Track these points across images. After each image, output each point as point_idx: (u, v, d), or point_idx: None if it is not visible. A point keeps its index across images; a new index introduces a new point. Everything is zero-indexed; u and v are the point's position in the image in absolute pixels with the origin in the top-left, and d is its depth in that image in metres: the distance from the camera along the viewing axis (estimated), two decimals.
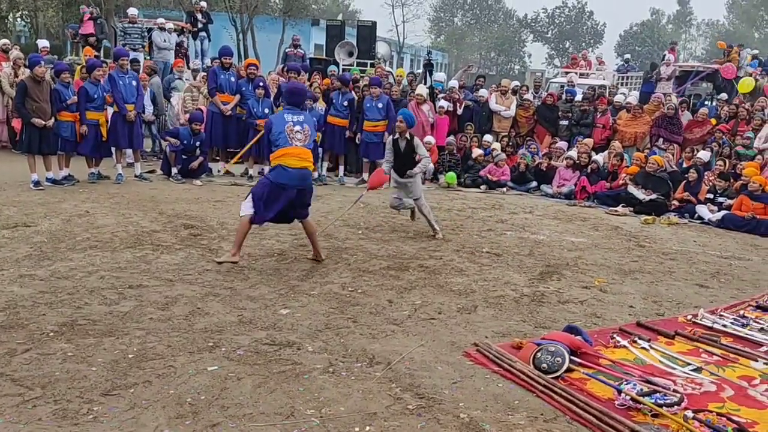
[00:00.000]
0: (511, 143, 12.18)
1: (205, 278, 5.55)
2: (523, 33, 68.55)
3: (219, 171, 10.86)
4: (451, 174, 11.23)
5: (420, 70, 18.48)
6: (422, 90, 11.82)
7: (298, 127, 5.83)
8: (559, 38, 66.81)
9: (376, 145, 10.62)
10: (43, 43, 12.71)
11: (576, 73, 16.85)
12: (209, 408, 3.41)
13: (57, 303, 4.72)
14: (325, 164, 11.08)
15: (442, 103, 11.96)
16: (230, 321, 4.63)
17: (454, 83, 12.91)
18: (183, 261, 5.98)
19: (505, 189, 11.14)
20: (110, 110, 9.51)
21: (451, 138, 11.87)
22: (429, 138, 11.39)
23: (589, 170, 10.82)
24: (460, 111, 12.26)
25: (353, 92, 11.05)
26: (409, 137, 7.32)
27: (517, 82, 13.98)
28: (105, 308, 4.70)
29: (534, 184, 11.34)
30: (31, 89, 8.47)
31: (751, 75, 14.69)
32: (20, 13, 26.70)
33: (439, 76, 13.87)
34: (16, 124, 10.53)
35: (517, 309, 5.26)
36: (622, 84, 17.38)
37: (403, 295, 5.44)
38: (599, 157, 11.02)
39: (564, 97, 12.87)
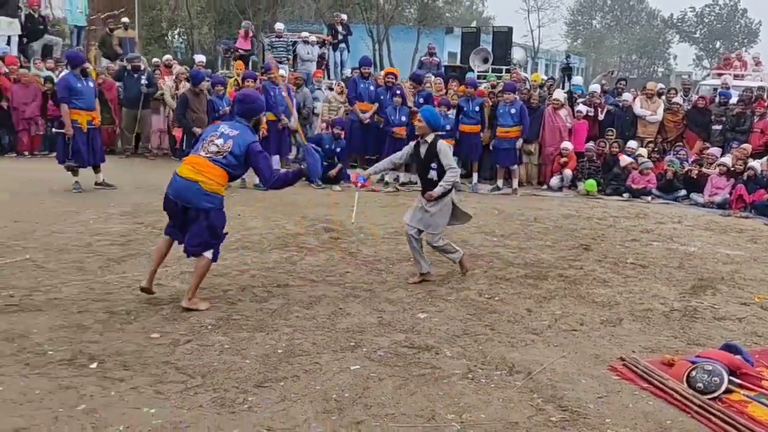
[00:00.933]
0: (657, 149, 11.53)
1: (346, 280, 5.73)
2: (668, 33, 64.77)
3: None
4: (591, 181, 10.82)
5: (557, 75, 17.99)
6: (559, 95, 11.50)
7: (220, 140, 4.74)
8: (709, 38, 62.44)
9: (507, 151, 10.49)
10: (199, 57, 13.75)
11: (730, 75, 15.66)
12: (353, 405, 3.52)
13: (214, 298, 5.07)
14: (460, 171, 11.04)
15: (581, 107, 11.57)
16: (370, 322, 4.75)
17: (595, 87, 12.45)
18: (325, 263, 6.22)
19: (650, 198, 10.56)
20: (263, 119, 10.10)
21: (591, 144, 11.44)
22: (566, 144, 11.08)
23: (745, 178, 10.00)
24: (601, 116, 11.80)
25: (483, 97, 10.97)
26: (430, 141, 5.69)
27: (662, 85, 13.23)
28: (256, 305, 4.99)
29: (683, 192, 10.65)
30: (191, 101, 9.20)
31: None
32: (178, 30, 29.07)
33: (577, 80, 13.43)
34: (177, 133, 11.45)
35: (667, 324, 4.97)
36: None
37: (542, 304, 5.32)
38: (757, 164, 10.15)
39: (717, 100, 11.99)
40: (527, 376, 3.97)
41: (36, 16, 14.38)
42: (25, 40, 14.24)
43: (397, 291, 5.50)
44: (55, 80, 11.91)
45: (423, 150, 5.73)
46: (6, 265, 5.64)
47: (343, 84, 12.40)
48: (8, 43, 13.79)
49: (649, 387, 3.87)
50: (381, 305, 5.12)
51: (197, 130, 9.17)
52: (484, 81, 13.40)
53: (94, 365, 3.86)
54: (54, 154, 11.38)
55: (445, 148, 5.69)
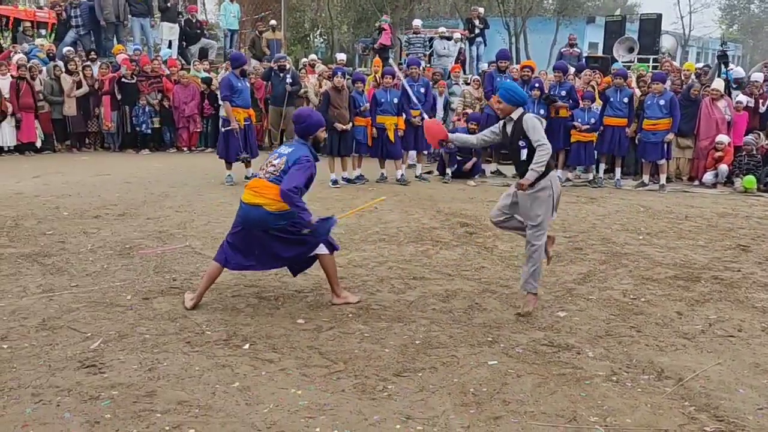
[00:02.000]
0: None
1: (482, 275, 5.70)
2: None
3: (491, 172, 11.07)
4: (750, 178, 9.97)
5: (712, 63, 16.73)
6: (719, 84, 10.68)
7: (277, 160, 4.73)
8: None
9: (654, 145, 9.90)
10: (340, 56, 14.22)
11: None
12: (491, 400, 3.50)
13: (354, 288, 5.24)
14: (602, 166, 10.60)
15: (741, 98, 10.68)
16: (507, 318, 4.70)
17: (758, 77, 11.44)
18: (460, 257, 6.23)
19: None
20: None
21: (750, 137, 10.54)
22: (722, 137, 10.29)
23: None
24: (762, 108, 10.83)
25: (633, 88, 10.43)
26: (515, 117, 4.81)
27: None
28: (393, 296, 5.10)
29: None
30: (333, 98, 9.53)
31: None
32: (319, 30, 30.22)
33: (738, 71, 12.40)
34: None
35: None
36: None
37: (694, 307, 4.99)
38: None
39: None
40: (678, 382, 3.75)
41: (194, 21, 15.55)
42: (184, 44, 15.45)
43: None
44: (215, 81, 12.84)
45: (509, 128, 4.87)
46: (169, 252, 6.16)
47: (479, 79, 12.30)
48: (169, 47, 15.03)
49: None
50: (519, 302, 5.02)
51: (339, 126, 9.50)
52: (630, 72, 12.74)
53: (246, 346, 4.13)
54: (210, 150, 12.29)
55: (534, 122, 4.71)
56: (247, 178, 9.66)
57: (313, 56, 15.22)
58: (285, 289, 5.19)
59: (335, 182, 9.60)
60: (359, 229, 7.12)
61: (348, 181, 9.85)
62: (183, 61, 14.64)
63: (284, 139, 13.44)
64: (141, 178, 9.86)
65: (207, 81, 13.24)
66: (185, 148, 13.19)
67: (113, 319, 4.54)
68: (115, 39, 14.73)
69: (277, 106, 12.78)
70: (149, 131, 13.04)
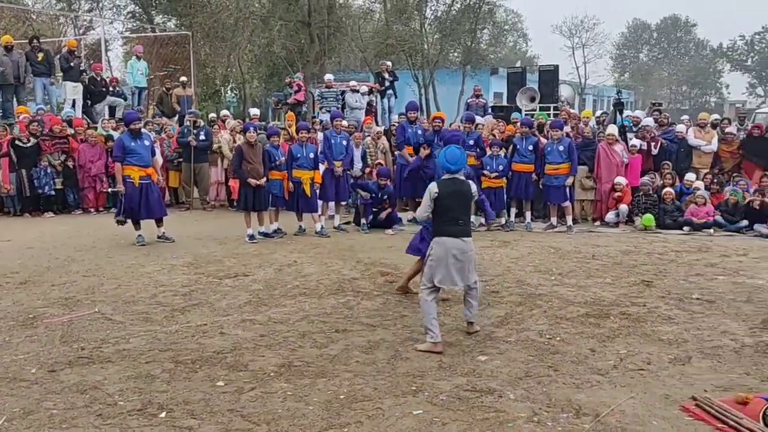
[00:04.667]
0: (716, 180, 11.25)
1: (404, 323, 5.74)
2: (719, 63, 63.64)
3: (408, 220, 11.24)
4: (648, 216, 10.59)
5: (607, 110, 17.86)
6: (613, 129, 11.40)
7: None
8: (762, 65, 61.01)
9: (557, 188, 10.40)
10: (254, 111, 14.23)
11: None
12: None
13: (275, 345, 5.15)
14: (513, 210, 11.00)
15: (635, 141, 11.43)
16: (430, 366, 4.73)
17: (648, 121, 12.30)
18: (382, 306, 6.25)
19: (711, 230, 10.25)
20: (322, 168, 10.36)
21: (646, 178, 11.25)
22: (620, 179, 10.93)
23: None
24: (655, 151, 11.62)
25: (537, 136, 10.97)
26: None
27: (717, 116, 12.99)
28: (316, 351, 5.04)
29: (745, 223, 10.31)
30: (246, 152, 9.49)
31: None
32: (230, 85, 30.15)
33: (638, 113, 13.30)
34: (234, 184, 11.80)
35: (739, 360, 4.79)
36: None
37: (605, 343, 5.20)
38: None
39: None
40: (595, 418, 3.88)
41: (98, 79, 15.19)
42: (89, 102, 15.03)
43: (456, 334, 5.47)
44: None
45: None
46: (76, 319, 5.86)
47: (379, 130, 12.60)
48: (73, 106, 14.58)
49: (723, 427, 3.73)
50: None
51: (253, 182, 9.44)
52: (533, 119, 13.40)
53: (162, 415, 3.95)
54: None
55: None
56: (159, 238, 9.39)
57: (225, 111, 15.13)
58: (203, 351, 5.03)
59: (252, 237, 9.47)
60: (278, 284, 7.02)
61: (265, 235, 9.75)
62: (88, 120, 14.22)
63: (196, 195, 13.24)
64: (45, 243, 9.38)
65: (112, 138, 12.88)
66: (92, 209, 12.68)
67: (17, 395, 4.25)
68: (14, 100, 14.15)
69: (189, 163, 12.59)
70: (52, 192, 12.47)
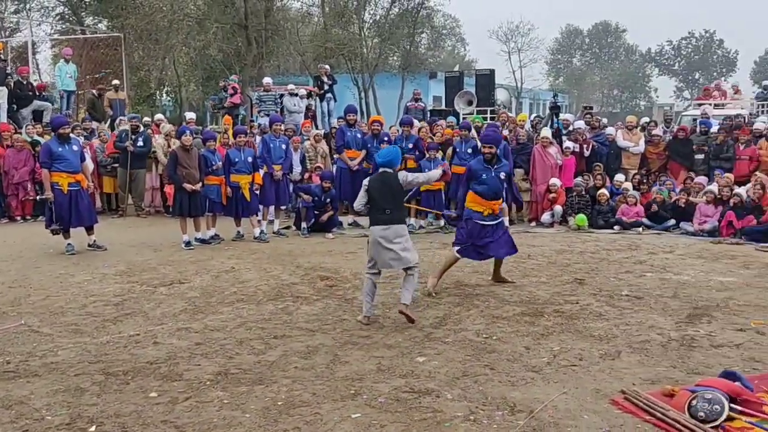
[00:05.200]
0: (644, 180, 11.69)
1: (343, 327, 5.73)
2: (648, 67, 66.22)
3: (348, 224, 11.26)
4: (581, 216, 10.91)
5: (542, 113, 18.32)
6: (547, 132, 11.70)
7: None
8: (688, 70, 63.86)
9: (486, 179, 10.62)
10: (189, 115, 13.93)
11: (710, 104, 15.99)
12: None
13: (211, 353, 5.06)
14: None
15: (568, 144, 11.76)
16: (369, 369, 4.74)
17: (579, 124, 12.67)
18: (321, 311, 6.22)
19: (640, 229, 10.64)
20: (261, 172, 10.24)
21: (579, 179, 11.59)
22: (554, 180, 11.22)
23: (731, 204, 10.12)
24: (587, 153, 11.98)
25: (476, 139, 11.14)
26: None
27: (646, 118, 13.52)
28: (254, 358, 4.98)
29: (672, 222, 10.75)
30: (181, 157, 9.29)
31: None
32: (166, 89, 29.48)
33: (567, 116, 13.70)
34: (169, 190, 11.53)
35: (665, 354, 4.98)
36: (762, 112, 16.25)
37: (540, 341, 5.32)
38: (742, 191, 10.30)
39: (698, 129, 12.24)
40: (529, 414, 3.96)
41: (25, 82, 14.60)
42: (15, 107, 14.42)
43: (395, 335, 5.49)
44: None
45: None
46: (1, 332, 5.61)
47: (319, 134, 12.59)
48: None
49: (651, 419, 3.87)
50: (379, 351, 5.11)
51: (188, 187, 9.26)
52: (469, 122, 13.61)
53: (92, 429, 3.83)
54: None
55: None
56: (90, 246, 9.08)
57: (159, 116, 14.78)
58: (135, 362, 4.89)
59: (188, 244, 9.27)
60: (215, 291, 6.90)
61: (202, 241, 9.56)
62: (15, 125, 13.64)
63: (130, 201, 12.87)
64: None
65: (39, 144, 12.39)
66: (18, 217, 12.16)
67: None
68: None
69: (125, 168, 12.23)
70: None
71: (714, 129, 11.92)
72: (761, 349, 5.06)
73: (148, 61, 22.99)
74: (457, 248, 6.88)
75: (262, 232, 9.95)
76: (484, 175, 6.73)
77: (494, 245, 6.81)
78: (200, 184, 9.41)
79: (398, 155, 6.16)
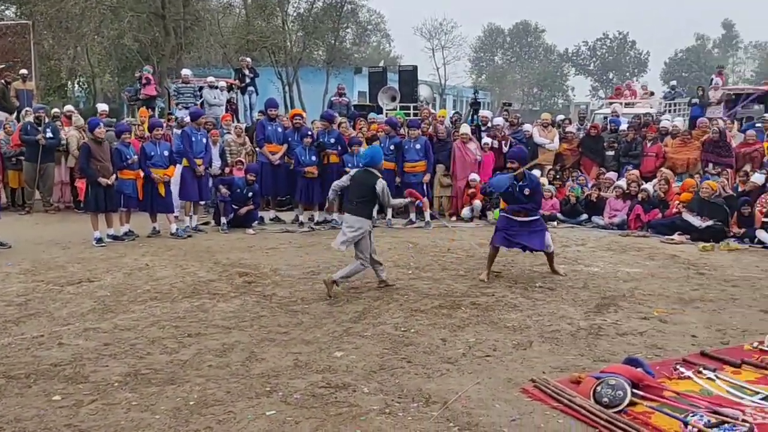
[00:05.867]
0: (558, 176, 12.09)
1: (261, 324, 5.65)
2: (565, 67, 68.56)
3: (270, 219, 11.11)
4: (499, 210, 11.16)
5: (464, 110, 18.65)
6: (466, 129, 11.91)
7: None
8: (602, 70, 66.51)
9: (415, 185, 10.72)
10: (102, 106, 13.35)
11: (621, 103, 16.71)
12: None
13: (120, 354, 4.88)
14: (375, 207, 11.14)
15: (486, 140, 12.01)
16: (286, 365, 4.69)
17: (498, 121, 12.97)
18: (239, 308, 6.11)
19: (555, 222, 11.01)
20: (179, 167, 9.94)
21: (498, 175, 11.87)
22: (474, 175, 11.44)
23: (639, 199, 10.63)
24: (505, 149, 12.27)
25: (400, 136, 11.22)
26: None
27: (561, 116, 13.98)
28: (166, 357, 4.83)
29: (585, 216, 11.19)
30: (93, 150, 8.91)
31: None
32: (78, 79, 28.17)
33: (485, 113, 14.00)
34: (80, 184, 11.05)
35: (574, 343, 5.17)
36: (669, 111, 17.13)
37: (456, 333, 5.41)
38: (649, 186, 10.84)
39: (608, 127, 12.77)
40: (443, 405, 4.02)
41: None
42: None
43: (314, 331, 5.46)
44: None
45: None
46: None
47: (241, 127, 12.38)
48: None
49: (559, 406, 4.00)
50: (297, 347, 5.07)
51: (103, 181, 8.90)
52: (395, 118, 13.71)
53: None
54: None
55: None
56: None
57: (69, 107, 14.11)
58: (38, 364, 4.66)
59: (99, 240, 8.90)
60: (127, 290, 6.66)
61: (115, 238, 9.20)
62: None
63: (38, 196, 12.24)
64: None
65: None
66: None
67: None
68: None
69: (33, 162, 11.61)
70: None
71: (623, 127, 12.44)
72: (663, 337, 5.33)
73: (59, 50, 21.86)
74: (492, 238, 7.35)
75: (186, 227, 9.69)
76: (509, 189, 7.20)
77: (525, 237, 7.18)
78: (114, 177, 9.05)
79: (378, 153, 6.97)
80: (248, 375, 4.51)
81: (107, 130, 10.01)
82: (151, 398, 4.11)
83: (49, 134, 11.61)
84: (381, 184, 6.59)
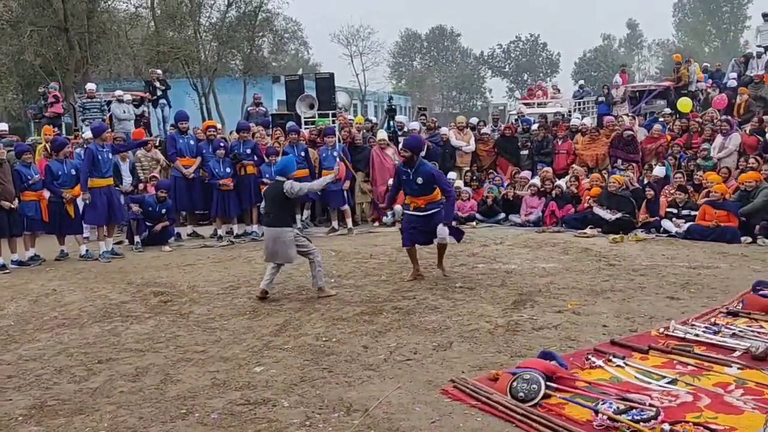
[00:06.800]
0: (475, 177, 12.34)
1: (177, 344, 5.47)
2: (482, 70, 70.17)
3: (188, 234, 10.82)
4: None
5: (368, 118, 18.80)
6: (383, 134, 11.99)
7: None
8: (517, 71, 68.47)
9: (335, 192, 10.73)
10: (1, 126, 12.67)
11: (534, 103, 17.25)
12: None
13: (25, 386, 4.62)
14: (299, 217, 11.01)
15: None
16: (203, 385, 4.56)
17: (414, 125, 13.12)
18: (153, 329, 5.90)
19: (474, 223, 11.23)
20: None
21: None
22: (391, 180, 11.47)
23: (553, 195, 10.98)
24: (423, 153, 12.39)
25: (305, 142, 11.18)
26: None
27: (475, 119, 14.29)
28: (74, 386, 4.60)
29: (502, 215, 11.46)
30: None
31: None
32: None
33: (401, 118, 14.14)
34: None
35: (492, 341, 5.26)
36: (578, 109, 17.81)
37: (378, 339, 5.41)
38: (562, 182, 11.22)
39: (520, 127, 13.15)
40: (364, 413, 4.00)
41: None
42: None
43: (232, 347, 5.33)
44: None
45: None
46: None
47: (160, 141, 12.03)
48: None
49: (477, 404, 4.05)
50: (215, 365, 4.94)
51: (5, 204, 8.44)
52: (313, 126, 13.67)
53: None
54: None
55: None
56: None
57: None
58: None
59: (3, 267, 8.43)
60: (33, 317, 6.33)
61: (19, 263, 8.73)
62: None
63: None
64: None
65: None
66: None
67: None
68: None
69: None
70: None
71: (534, 126, 12.84)
72: (576, 329, 5.50)
73: None
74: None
75: (103, 253, 9.14)
76: (404, 176, 7.24)
77: (429, 234, 7.24)
78: (16, 201, 8.59)
79: (289, 163, 6.98)
80: (163, 398, 4.35)
81: (8, 150, 9.52)
82: (59, 430, 3.91)
83: None
84: (288, 184, 6.63)
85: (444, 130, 13.14)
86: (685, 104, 13.87)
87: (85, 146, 10.16)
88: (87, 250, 9.24)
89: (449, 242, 7.47)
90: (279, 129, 12.07)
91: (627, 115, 14.26)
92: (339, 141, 11.31)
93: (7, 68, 20.54)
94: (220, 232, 10.44)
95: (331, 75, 17.17)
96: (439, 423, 3.84)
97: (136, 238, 9.85)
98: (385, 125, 14.25)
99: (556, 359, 4.48)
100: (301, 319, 6.05)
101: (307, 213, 11.37)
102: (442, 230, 7.20)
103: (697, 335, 5.08)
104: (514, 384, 4.11)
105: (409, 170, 7.18)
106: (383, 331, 5.62)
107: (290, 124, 12.19)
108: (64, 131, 15.09)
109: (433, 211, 7.25)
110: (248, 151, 10.54)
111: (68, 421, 4.03)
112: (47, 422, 4.03)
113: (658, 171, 10.79)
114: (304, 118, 15.25)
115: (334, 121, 14.62)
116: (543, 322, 5.70)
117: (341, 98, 18.25)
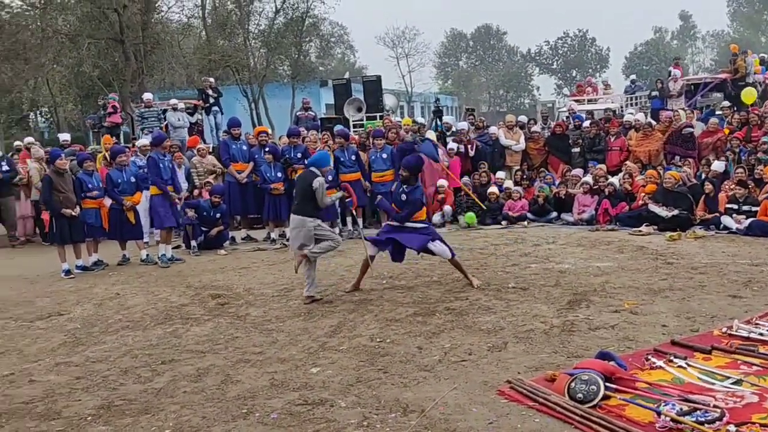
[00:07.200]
0: (525, 176, 12.21)
1: (235, 345, 5.60)
2: (529, 67, 69.38)
3: (242, 239, 11.04)
4: (470, 214, 11.26)
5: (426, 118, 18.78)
6: (431, 135, 11.98)
7: None
8: (565, 68, 67.42)
9: (385, 195, 10.72)
10: (63, 136, 13.23)
11: (584, 100, 16.95)
12: None
13: (93, 387, 4.80)
14: (349, 218, 11.10)
15: (452, 145, 12.10)
16: (262, 385, 4.66)
17: (462, 125, 13.07)
18: (212, 331, 6.06)
19: (525, 222, 11.12)
20: (147, 193, 9.73)
21: (467, 179, 11.95)
22: (441, 181, 11.50)
23: (606, 193, 10.78)
24: (472, 153, 12.37)
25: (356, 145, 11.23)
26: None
27: (524, 117, 14.15)
28: (140, 386, 4.77)
29: (554, 214, 11.31)
30: (55, 182, 8.80)
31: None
32: (40, 110, 27.77)
33: (448, 119, 14.12)
34: (46, 216, 10.88)
35: (548, 341, 5.21)
36: (630, 105, 17.42)
37: (432, 340, 5.42)
38: (615, 180, 11.01)
39: (572, 124, 12.95)
40: (421, 413, 4.03)
41: None
42: None
43: (289, 349, 5.43)
44: None
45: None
46: None
47: (203, 148, 12.25)
48: None
49: (534, 405, 4.02)
50: (273, 366, 5.04)
51: (67, 212, 8.78)
52: (362, 129, 13.77)
53: None
54: None
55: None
56: None
57: (29, 139, 13.91)
58: (10, 403, 4.57)
59: (68, 272, 8.77)
60: (98, 321, 6.57)
61: (84, 269, 9.07)
62: None
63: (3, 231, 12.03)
64: None
65: None
66: None
67: None
68: None
69: None
70: None
71: (585, 123, 12.62)
72: (634, 329, 5.40)
73: (18, 82, 21.55)
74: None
75: (163, 256, 9.42)
76: (397, 189, 7.33)
77: (405, 236, 7.10)
78: (78, 209, 8.93)
79: (324, 157, 7.28)
80: (224, 398, 4.47)
81: (71, 160, 9.90)
82: (126, 430, 4.05)
83: (4, 167, 11.44)
84: (318, 181, 6.76)
85: (493, 129, 13.04)
86: (749, 95, 13.42)
87: (140, 155, 10.42)
88: (147, 255, 9.53)
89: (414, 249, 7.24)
90: (326, 133, 12.19)
91: (683, 109, 13.86)
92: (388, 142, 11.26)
93: (66, 80, 21.38)
94: (273, 235, 10.62)
95: (378, 78, 17.32)
96: (496, 423, 3.83)
97: (192, 243, 10.11)
98: (433, 126, 14.20)
99: (614, 360, 4.41)
100: (355, 321, 6.12)
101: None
102: (441, 247, 7.13)
103: (761, 334, 4.92)
104: (572, 385, 4.07)
105: (403, 186, 7.22)
106: (437, 332, 5.62)
107: (338, 127, 12.30)
108: (122, 140, 15.60)
109: (416, 225, 7.15)
110: (299, 155, 10.69)
111: (135, 421, 4.18)
112: (115, 422, 4.19)
113: (717, 166, 10.47)
114: (353, 121, 15.43)
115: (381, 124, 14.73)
116: (599, 322, 5.61)
117: (388, 100, 18.35)
